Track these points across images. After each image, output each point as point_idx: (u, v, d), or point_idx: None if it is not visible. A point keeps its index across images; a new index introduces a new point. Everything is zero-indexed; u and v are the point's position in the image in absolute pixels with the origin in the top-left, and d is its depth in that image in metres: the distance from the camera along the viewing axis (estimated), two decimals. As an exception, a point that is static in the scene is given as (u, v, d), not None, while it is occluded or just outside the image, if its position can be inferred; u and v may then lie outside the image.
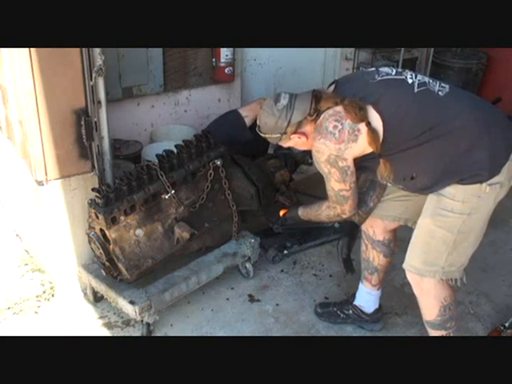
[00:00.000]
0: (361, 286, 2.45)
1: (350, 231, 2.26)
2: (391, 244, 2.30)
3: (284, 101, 1.92)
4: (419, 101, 1.85)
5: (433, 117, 1.83)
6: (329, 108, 1.87)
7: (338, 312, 2.50)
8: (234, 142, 2.73)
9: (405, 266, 2.02)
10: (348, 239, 2.27)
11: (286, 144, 2.01)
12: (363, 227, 2.30)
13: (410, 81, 1.88)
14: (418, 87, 1.86)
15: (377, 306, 2.45)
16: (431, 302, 2.03)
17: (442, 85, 1.90)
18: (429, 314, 2.07)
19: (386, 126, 1.81)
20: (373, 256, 2.32)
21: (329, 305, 2.56)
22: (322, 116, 1.87)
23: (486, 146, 1.81)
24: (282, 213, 2.40)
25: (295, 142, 1.98)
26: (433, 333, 2.12)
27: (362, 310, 2.46)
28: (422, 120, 1.82)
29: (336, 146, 1.82)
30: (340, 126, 1.82)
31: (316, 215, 2.18)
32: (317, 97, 1.91)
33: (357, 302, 2.47)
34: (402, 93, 1.87)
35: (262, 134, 2.00)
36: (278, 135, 1.95)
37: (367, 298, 2.44)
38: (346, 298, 2.59)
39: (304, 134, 1.93)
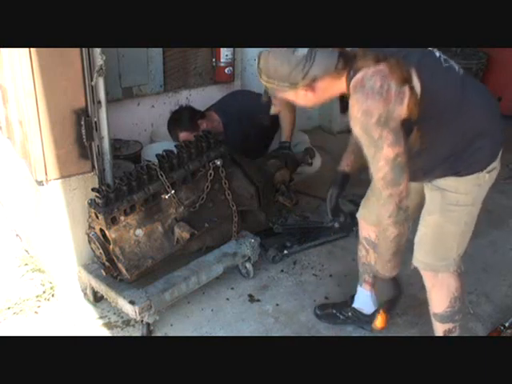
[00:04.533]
0: (360, 289, 2.45)
1: (341, 182, 2.12)
2: None
3: (303, 50, 1.67)
4: (447, 76, 1.80)
5: (458, 95, 1.78)
6: (368, 66, 1.67)
7: (338, 314, 2.50)
8: (255, 120, 2.72)
9: (417, 264, 2.01)
10: (338, 190, 2.11)
11: (285, 95, 1.75)
12: (363, 233, 2.30)
13: (437, 54, 1.82)
14: (444, 62, 1.81)
15: (376, 306, 2.45)
16: (443, 294, 2.04)
17: (457, 65, 1.86)
18: (438, 307, 2.07)
19: (424, 95, 1.67)
20: (375, 259, 2.32)
21: (328, 306, 2.56)
22: (361, 75, 1.66)
23: (490, 134, 1.81)
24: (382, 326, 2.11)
25: (297, 96, 1.73)
26: (439, 326, 2.11)
27: (361, 313, 2.46)
28: (449, 95, 1.77)
29: (385, 106, 1.62)
30: (386, 86, 1.62)
31: (384, 239, 1.81)
32: (345, 56, 1.71)
33: (356, 305, 2.47)
34: (435, 64, 1.80)
35: (264, 79, 1.77)
36: (286, 86, 1.70)
37: (366, 300, 2.44)
38: (345, 299, 2.58)
39: (313, 89, 1.70)
